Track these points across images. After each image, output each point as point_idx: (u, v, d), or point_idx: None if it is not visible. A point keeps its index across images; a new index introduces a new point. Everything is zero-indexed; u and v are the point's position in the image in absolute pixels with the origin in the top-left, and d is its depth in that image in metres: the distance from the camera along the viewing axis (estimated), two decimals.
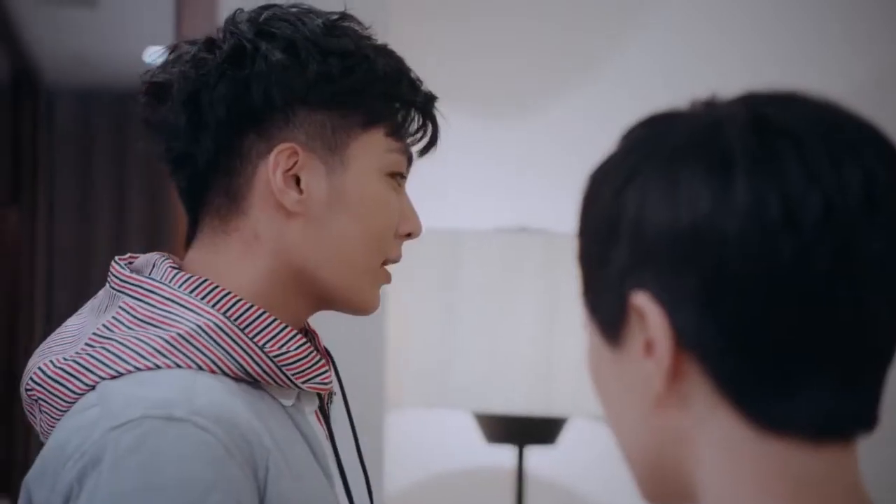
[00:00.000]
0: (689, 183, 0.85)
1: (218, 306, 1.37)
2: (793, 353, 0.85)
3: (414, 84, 1.45)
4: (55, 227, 6.47)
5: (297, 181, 1.40)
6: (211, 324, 1.35)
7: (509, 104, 3.17)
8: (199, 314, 1.36)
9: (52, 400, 1.37)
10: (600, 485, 3.15)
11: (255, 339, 1.37)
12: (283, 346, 1.38)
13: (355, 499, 1.46)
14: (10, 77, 5.13)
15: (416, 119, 1.45)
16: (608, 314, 0.90)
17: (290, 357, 1.38)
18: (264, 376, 1.37)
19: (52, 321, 6.25)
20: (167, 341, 1.35)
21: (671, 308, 0.86)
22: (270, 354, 1.37)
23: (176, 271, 1.41)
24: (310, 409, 1.44)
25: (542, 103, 3.16)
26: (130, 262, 1.45)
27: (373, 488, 1.52)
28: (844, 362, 0.86)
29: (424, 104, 1.46)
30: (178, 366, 1.34)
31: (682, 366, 0.87)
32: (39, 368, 1.38)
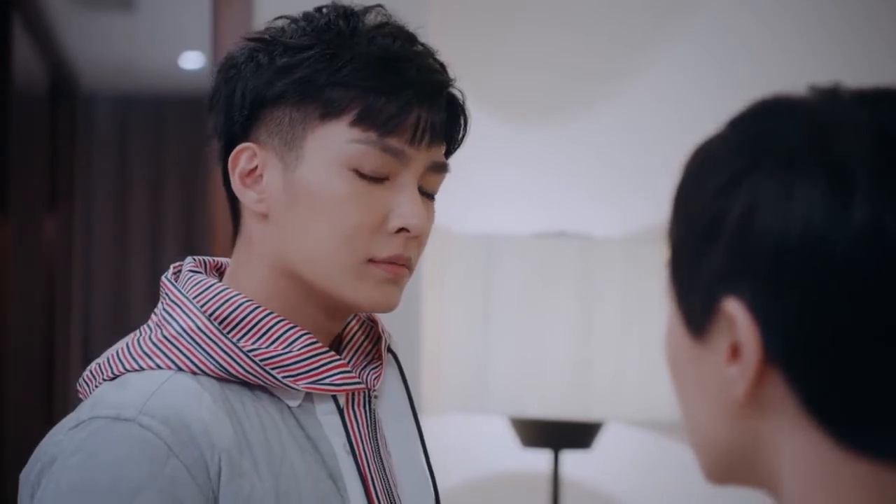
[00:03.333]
0: (804, 194, 0.81)
1: (205, 307, 1.39)
2: (893, 385, 0.81)
3: (396, 69, 1.36)
4: (92, 233, 6.50)
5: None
6: (193, 325, 1.37)
7: (548, 111, 3.17)
8: (186, 316, 1.39)
9: (83, 400, 1.40)
10: (636, 489, 3.15)
11: (240, 341, 1.38)
12: (275, 346, 1.38)
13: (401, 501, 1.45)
14: (47, 83, 5.16)
15: (392, 107, 1.35)
16: (695, 309, 0.87)
17: (285, 359, 1.37)
18: (249, 377, 1.36)
19: (90, 327, 6.28)
20: (154, 343, 1.38)
21: (765, 321, 0.83)
22: (255, 356, 1.36)
23: (191, 274, 1.44)
24: (325, 409, 1.41)
25: (580, 110, 3.16)
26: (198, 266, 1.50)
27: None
28: None
29: (401, 90, 1.36)
30: (159, 367, 1.36)
31: (767, 376, 0.84)
32: (88, 370, 1.43)
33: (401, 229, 1.37)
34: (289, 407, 1.39)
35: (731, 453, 0.88)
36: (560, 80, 3.18)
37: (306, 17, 1.42)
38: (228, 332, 1.39)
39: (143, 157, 6.66)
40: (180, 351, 1.37)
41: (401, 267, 1.39)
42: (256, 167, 1.41)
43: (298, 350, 1.39)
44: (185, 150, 6.60)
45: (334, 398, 1.41)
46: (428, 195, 1.42)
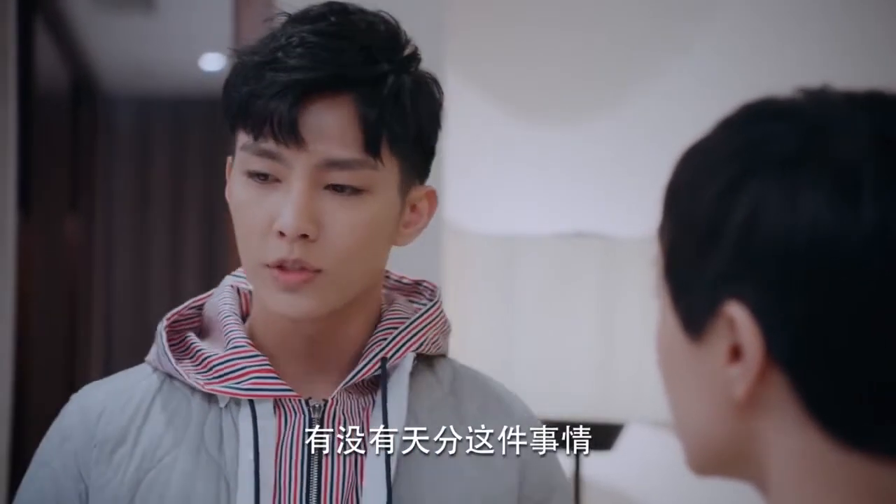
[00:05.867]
0: (809, 198, 0.82)
1: (177, 309, 1.49)
2: None
3: (266, 72, 1.34)
4: (113, 232, 6.52)
5: None
6: (161, 325, 1.47)
7: (568, 111, 3.17)
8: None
9: None
10: (658, 491, 3.14)
11: (172, 339, 1.45)
12: (215, 346, 1.43)
13: None
14: (68, 84, 5.18)
15: (256, 110, 1.34)
16: (694, 311, 0.88)
17: (214, 359, 1.41)
18: (174, 374, 1.43)
19: (111, 326, 6.29)
20: None
21: (769, 324, 0.83)
22: (173, 354, 1.43)
23: (230, 278, 1.52)
24: (246, 413, 1.39)
25: (600, 111, 3.16)
26: None
27: None
28: None
29: (265, 92, 1.34)
30: (147, 361, 1.49)
31: (768, 375, 0.84)
32: None
33: (281, 232, 1.35)
34: (219, 406, 1.42)
35: (722, 449, 0.89)
36: (580, 80, 3.18)
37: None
38: (204, 333, 1.47)
39: (163, 157, 6.67)
40: (152, 348, 1.48)
41: (292, 274, 1.36)
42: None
43: (226, 350, 1.41)
44: (205, 151, 6.61)
45: (276, 402, 1.40)
46: (353, 189, 1.37)
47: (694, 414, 0.90)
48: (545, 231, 3.01)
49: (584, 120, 3.16)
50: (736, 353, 0.85)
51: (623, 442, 3.00)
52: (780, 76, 3.04)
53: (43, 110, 4.24)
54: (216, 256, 6.48)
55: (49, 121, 4.49)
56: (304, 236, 1.34)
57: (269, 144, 1.35)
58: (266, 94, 1.33)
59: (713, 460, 0.90)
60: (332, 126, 1.34)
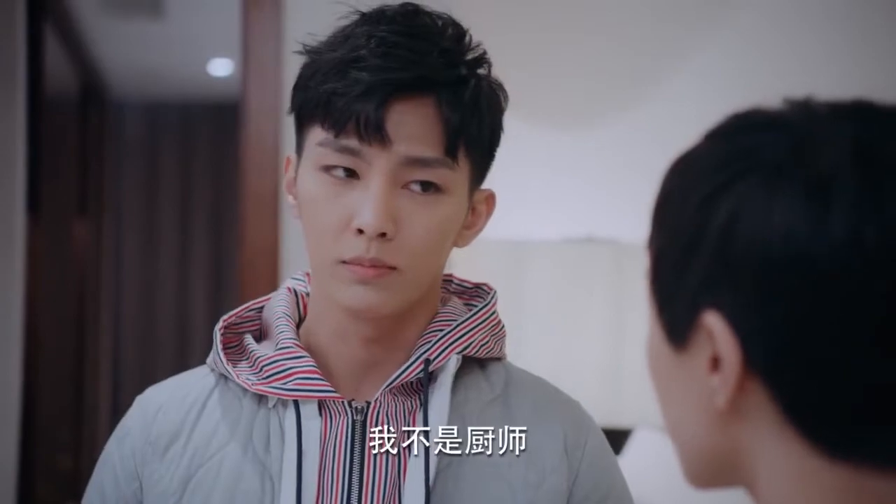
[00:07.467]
0: (784, 207, 0.82)
1: (235, 312, 1.51)
2: (876, 393, 0.82)
3: (351, 70, 1.36)
4: (122, 236, 6.53)
5: None
6: (217, 327, 1.49)
7: (577, 116, 3.17)
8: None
9: None
10: (666, 495, 3.14)
11: (231, 341, 1.48)
12: (266, 347, 1.45)
13: None
14: (77, 90, 5.19)
15: (341, 108, 1.35)
16: (676, 319, 0.89)
17: (264, 359, 1.43)
18: (227, 375, 1.45)
19: (120, 328, 6.31)
20: None
21: (745, 332, 0.84)
22: (228, 356, 1.46)
23: (290, 281, 1.55)
24: (292, 414, 1.41)
25: (609, 115, 3.16)
26: None
27: None
28: None
29: (350, 90, 1.35)
30: (207, 362, 1.50)
31: (748, 384, 0.85)
32: None
33: (360, 230, 1.36)
34: (267, 406, 1.44)
35: (713, 458, 0.90)
36: (590, 85, 3.18)
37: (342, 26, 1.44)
38: (263, 335, 1.49)
39: (171, 162, 6.69)
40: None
41: (367, 268, 1.37)
42: (295, 175, 1.44)
43: (274, 351, 1.43)
44: (213, 156, 6.63)
45: (321, 403, 1.41)
46: (435, 187, 1.39)
47: (683, 424, 0.91)
48: (555, 236, 3.01)
49: (594, 125, 3.16)
50: (716, 363, 0.86)
51: (632, 447, 3.00)
52: (791, 80, 3.03)
53: (52, 114, 4.25)
54: (224, 259, 6.49)
55: (58, 125, 4.50)
56: (383, 235, 1.36)
57: (352, 141, 1.36)
58: (351, 93, 1.35)
59: (706, 470, 0.91)
60: (414, 126, 1.36)
